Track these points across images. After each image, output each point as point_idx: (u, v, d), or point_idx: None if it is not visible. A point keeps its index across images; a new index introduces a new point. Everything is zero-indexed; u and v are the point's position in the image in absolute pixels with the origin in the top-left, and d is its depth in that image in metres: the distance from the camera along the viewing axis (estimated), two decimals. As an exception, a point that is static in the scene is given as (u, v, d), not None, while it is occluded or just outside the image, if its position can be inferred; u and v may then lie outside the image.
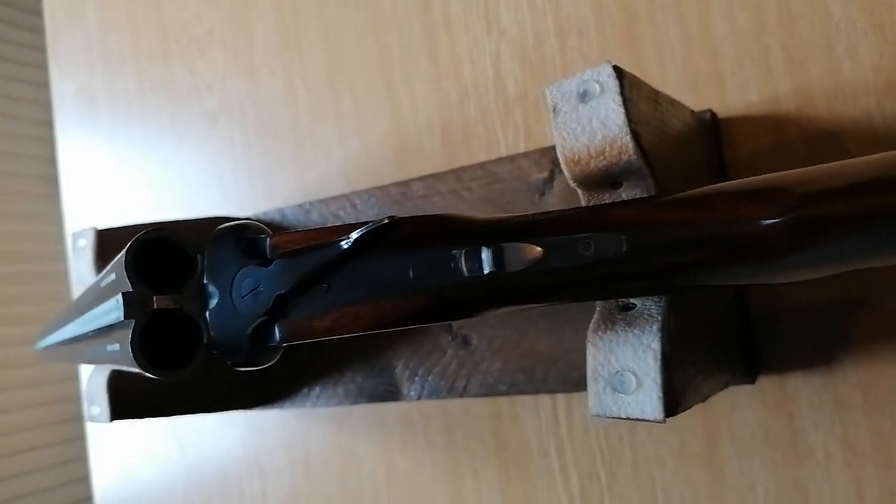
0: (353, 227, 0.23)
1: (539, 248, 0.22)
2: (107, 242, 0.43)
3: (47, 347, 0.45)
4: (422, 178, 0.47)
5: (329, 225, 0.25)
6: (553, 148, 0.43)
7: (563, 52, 0.45)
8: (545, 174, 0.42)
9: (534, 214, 0.24)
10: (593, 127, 0.24)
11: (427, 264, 0.23)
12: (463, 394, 0.45)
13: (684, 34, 0.41)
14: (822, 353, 0.38)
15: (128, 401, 0.43)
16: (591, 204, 0.26)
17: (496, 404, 0.47)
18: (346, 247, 0.23)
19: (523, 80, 0.46)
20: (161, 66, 0.63)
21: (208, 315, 0.26)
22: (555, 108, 0.25)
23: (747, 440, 0.39)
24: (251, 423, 0.57)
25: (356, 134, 0.53)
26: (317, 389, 0.51)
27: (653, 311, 0.25)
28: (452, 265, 0.23)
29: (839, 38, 0.38)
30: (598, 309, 0.27)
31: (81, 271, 0.43)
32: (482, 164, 0.45)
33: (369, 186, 0.50)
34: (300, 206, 0.52)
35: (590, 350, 0.25)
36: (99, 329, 0.31)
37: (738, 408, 0.40)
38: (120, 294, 0.27)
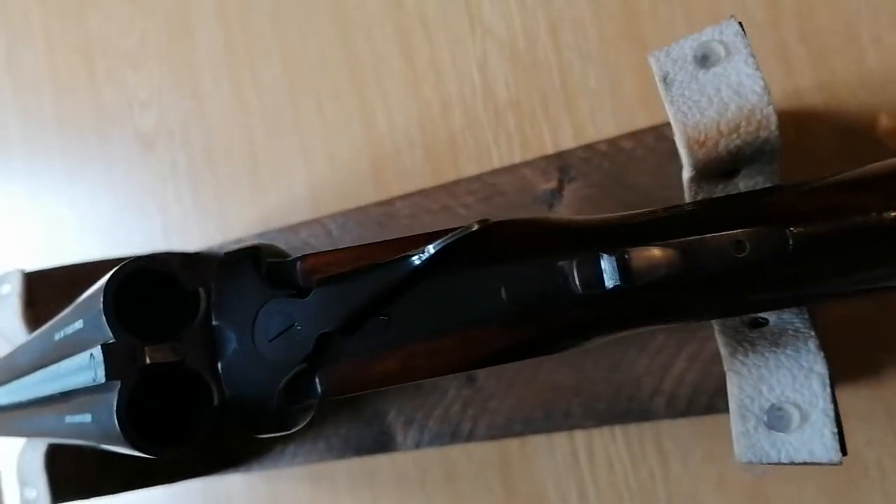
0: (423, 237, 0.18)
1: (674, 252, 0.17)
2: (37, 287, 0.36)
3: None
4: (407, 196, 0.41)
5: (369, 242, 0.19)
6: (560, 155, 0.38)
7: (557, 50, 0.41)
8: (553, 184, 0.38)
9: (653, 211, 0.19)
10: (723, 97, 0.19)
11: (526, 281, 0.17)
12: (470, 438, 0.40)
13: (693, 28, 0.38)
14: (869, 363, 0.35)
15: (70, 480, 0.35)
16: (698, 199, 0.21)
17: (503, 447, 0.42)
18: (417, 264, 0.17)
19: (515, 84, 0.42)
20: (85, 85, 0.55)
21: (221, 367, 0.20)
22: (665, 79, 0.20)
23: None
24: (209, 491, 0.50)
25: (323, 150, 0.47)
26: (292, 446, 0.44)
27: (797, 325, 0.20)
28: (561, 280, 0.17)
29: (861, 26, 0.35)
30: (717, 327, 0.22)
31: (5, 324, 0.35)
32: (478, 177, 0.40)
33: (343, 209, 0.44)
34: (261, 235, 0.46)
35: (732, 381, 0.21)
36: (54, 395, 0.24)
37: (783, 432, 0.36)
38: (98, 347, 0.20)
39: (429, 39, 0.44)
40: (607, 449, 0.39)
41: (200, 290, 0.22)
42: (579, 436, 0.40)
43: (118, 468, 0.39)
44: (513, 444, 0.41)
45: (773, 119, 0.19)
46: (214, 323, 0.20)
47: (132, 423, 0.20)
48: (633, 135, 0.36)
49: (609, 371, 0.36)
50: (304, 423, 0.21)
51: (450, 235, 0.17)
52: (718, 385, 0.35)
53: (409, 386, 0.41)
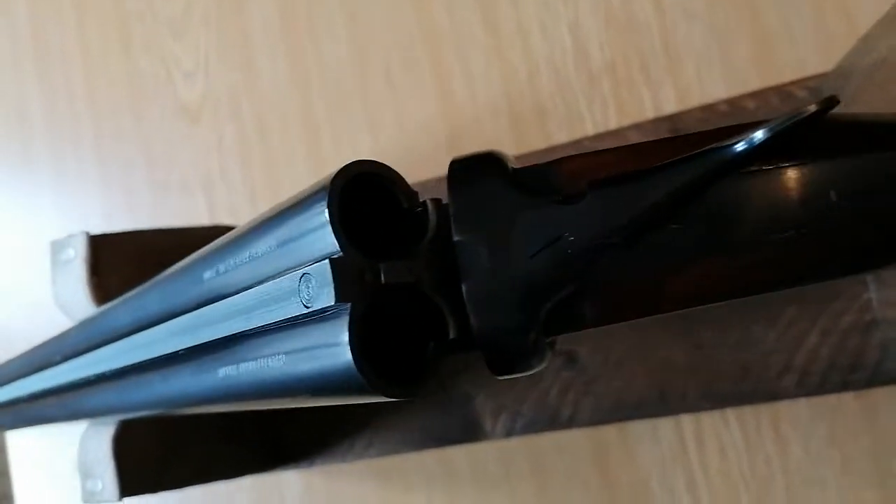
0: (739, 128, 0.15)
1: None
2: (103, 253, 0.32)
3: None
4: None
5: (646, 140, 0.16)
6: (672, 117, 0.36)
7: (659, 11, 0.38)
8: (665, 148, 0.35)
9: None
10: None
11: (865, 179, 0.14)
12: (570, 424, 0.36)
13: (806, -13, 0.36)
14: None
15: (139, 471, 0.31)
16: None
17: (599, 436, 0.39)
18: (731, 157, 0.14)
19: (610, 47, 0.39)
20: (118, 57, 0.51)
21: (466, 290, 0.16)
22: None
23: (931, 449, 0.33)
24: (264, 488, 0.45)
25: (392, 121, 0.44)
26: (362, 439, 0.40)
27: None
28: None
29: None
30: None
31: (67, 294, 0.31)
32: (577, 142, 0.37)
33: (415, 181, 0.41)
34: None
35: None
36: (202, 346, 0.20)
37: (920, 410, 0.33)
38: (320, 265, 0.17)
39: (514, 4, 0.41)
40: (719, 435, 0.36)
41: (428, 202, 0.19)
42: (687, 421, 0.37)
43: (179, 461, 0.35)
44: (610, 433, 0.38)
45: None
46: (456, 238, 0.17)
47: (367, 357, 0.16)
48: (756, 94, 0.34)
49: (733, 348, 0.34)
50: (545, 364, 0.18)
51: (785, 118, 0.14)
52: (854, 359, 0.32)
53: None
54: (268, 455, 0.40)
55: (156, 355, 0.23)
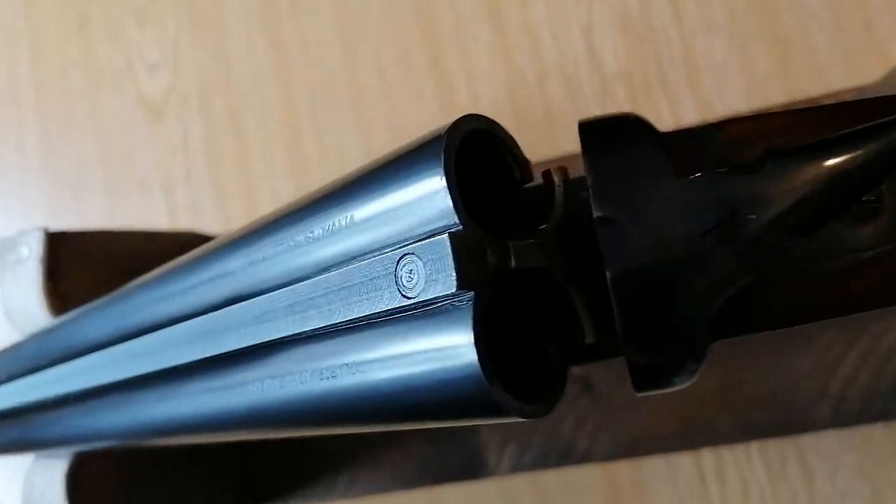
0: None
1: None
2: (63, 253, 0.26)
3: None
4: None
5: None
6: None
7: (677, 19, 0.37)
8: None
9: None
10: None
11: None
12: (586, 458, 0.33)
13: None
14: None
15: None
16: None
17: (611, 471, 0.35)
18: None
19: (625, 54, 0.37)
20: (74, 43, 0.46)
21: (612, 278, 0.13)
22: None
23: (965, 484, 0.32)
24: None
25: (384, 120, 0.40)
26: (349, 474, 0.36)
27: None
28: None
29: None
30: None
31: (18, 300, 0.26)
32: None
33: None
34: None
35: None
36: (230, 353, 0.16)
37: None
38: (444, 237, 0.13)
39: (522, 4, 0.39)
40: (741, 469, 0.34)
41: (553, 171, 0.15)
42: (707, 456, 0.34)
43: (143, 499, 0.29)
44: (622, 468, 0.35)
45: None
46: (597, 215, 0.13)
47: (494, 365, 0.12)
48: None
49: (765, 374, 0.31)
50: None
51: None
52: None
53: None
54: (241, 492, 0.34)
55: (151, 370, 0.18)
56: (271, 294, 0.16)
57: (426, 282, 0.13)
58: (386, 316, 0.14)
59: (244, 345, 0.16)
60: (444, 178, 0.13)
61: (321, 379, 0.15)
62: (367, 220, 0.14)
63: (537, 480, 0.36)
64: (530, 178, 0.16)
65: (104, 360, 0.20)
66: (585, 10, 0.38)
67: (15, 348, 0.24)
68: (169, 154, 0.43)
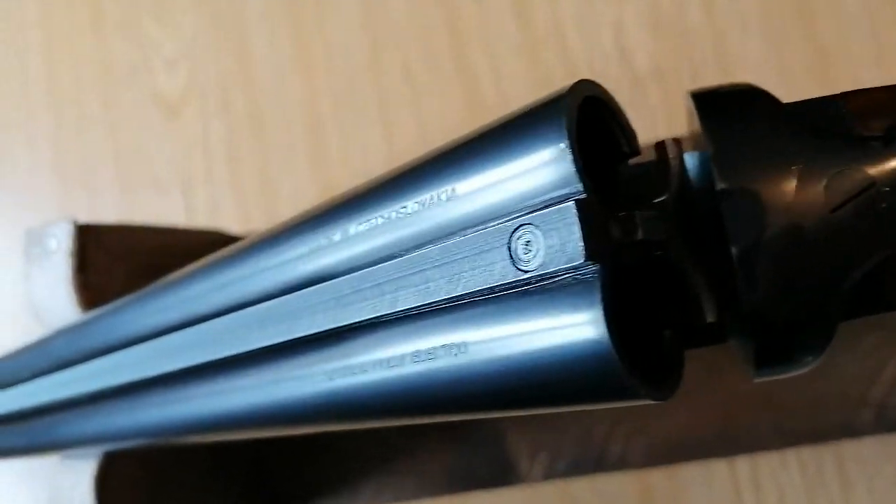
0: None
1: None
2: (91, 248, 0.25)
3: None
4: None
5: None
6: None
7: (710, 18, 0.36)
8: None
9: None
10: None
11: None
12: (620, 465, 0.32)
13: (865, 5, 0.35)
14: None
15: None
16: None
17: (643, 480, 0.34)
18: None
19: (658, 53, 0.37)
20: (88, 37, 0.45)
21: (737, 254, 0.12)
22: None
23: None
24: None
25: (410, 121, 0.39)
26: (375, 481, 0.34)
27: None
28: None
29: None
30: None
31: (44, 293, 0.25)
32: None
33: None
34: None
35: None
36: (303, 338, 0.15)
37: None
38: (570, 205, 0.12)
39: (549, 1, 0.38)
40: (777, 477, 0.33)
41: (667, 144, 0.14)
42: (743, 463, 0.33)
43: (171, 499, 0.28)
44: (655, 476, 0.34)
45: None
46: (721, 187, 0.12)
47: (621, 341, 0.11)
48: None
49: (806, 378, 0.31)
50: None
51: None
52: (939, 393, 0.30)
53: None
54: (264, 500, 0.33)
55: (205, 360, 0.17)
56: (352, 275, 0.15)
57: (547, 253, 0.12)
58: (498, 291, 0.13)
59: (320, 329, 0.15)
60: (567, 141, 0.12)
61: (415, 362, 0.14)
62: (475, 191, 0.14)
63: (567, 488, 0.35)
64: (638, 152, 0.15)
65: (149, 352, 0.19)
66: (616, 8, 0.37)
67: (42, 343, 0.23)
68: (187, 152, 0.42)
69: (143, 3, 0.44)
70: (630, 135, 0.15)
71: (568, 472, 0.32)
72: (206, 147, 0.42)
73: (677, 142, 0.14)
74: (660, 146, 0.15)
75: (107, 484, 0.23)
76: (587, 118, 0.13)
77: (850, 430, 0.30)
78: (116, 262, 0.26)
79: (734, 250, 0.12)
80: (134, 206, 0.42)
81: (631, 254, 0.13)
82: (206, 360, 0.17)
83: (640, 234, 0.13)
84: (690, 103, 0.15)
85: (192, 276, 0.19)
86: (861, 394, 0.30)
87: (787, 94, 0.35)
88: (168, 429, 0.19)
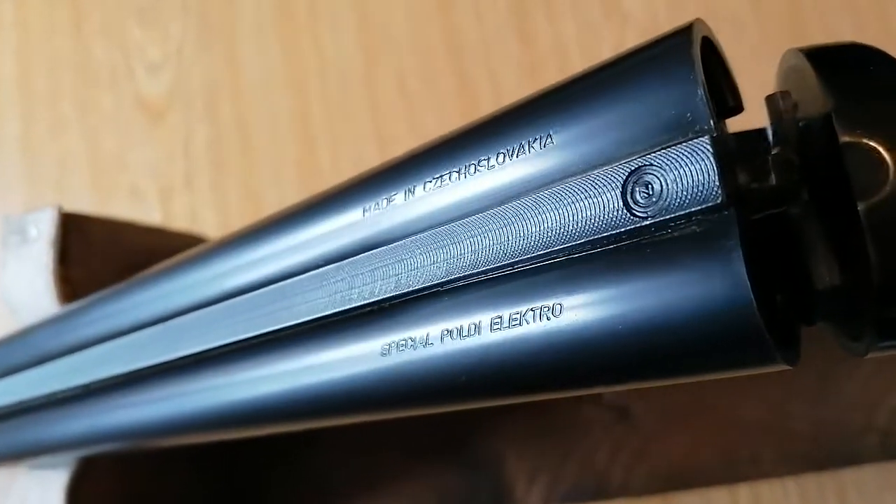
0: None
1: None
2: (74, 239, 0.23)
3: None
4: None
5: None
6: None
7: (709, 44, 0.36)
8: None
9: None
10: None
11: None
12: (622, 492, 0.31)
13: (860, 33, 0.36)
14: None
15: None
16: None
17: (640, 506, 0.33)
18: None
19: (657, 76, 0.37)
20: (67, 38, 0.43)
21: (864, 210, 0.11)
22: None
23: None
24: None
25: (407, 134, 0.38)
26: (361, 503, 0.32)
27: None
28: None
29: None
30: None
31: (23, 284, 0.22)
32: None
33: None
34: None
35: None
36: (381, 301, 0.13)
37: None
38: (704, 140, 0.11)
39: (552, 21, 0.38)
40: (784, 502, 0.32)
41: (778, 95, 0.13)
42: (743, 491, 0.32)
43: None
44: (653, 503, 0.33)
45: None
46: (844, 140, 0.11)
47: (761, 296, 0.10)
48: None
49: (810, 405, 0.30)
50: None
51: None
52: (943, 419, 0.29)
53: (535, 423, 0.32)
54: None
55: (223, 342, 0.15)
56: (417, 236, 0.14)
57: (672, 197, 0.11)
58: (603, 244, 0.12)
59: (375, 299, 0.14)
60: (698, 71, 0.11)
61: (494, 329, 0.12)
62: (582, 135, 0.12)
63: (562, 516, 0.33)
64: (742, 107, 0.14)
65: (151, 337, 0.17)
66: (617, 29, 0.37)
67: (15, 338, 0.21)
68: (167, 159, 0.40)
69: (128, 7, 0.43)
70: (735, 89, 0.14)
71: (566, 498, 0.31)
72: (187, 154, 0.40)
73: (788, 94, 0.14)
74: (771, 99, 0.14)
75: (80, 497, 0.21)
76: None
77: (854, 457, 0.30)
78: (97, 257, 0.25)
79: (861, 207, 0.11)
80: (107, 212, 0.40)
81: (759, 203, 0.12)
82: (240, 338, 0.15)
83: (772, 179, 0.12)
84: (793, 61, 0.14)
85: (213, 252, 0.17)
86: (865, 420, 0.30)
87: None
88: (174, 423, 0.17)
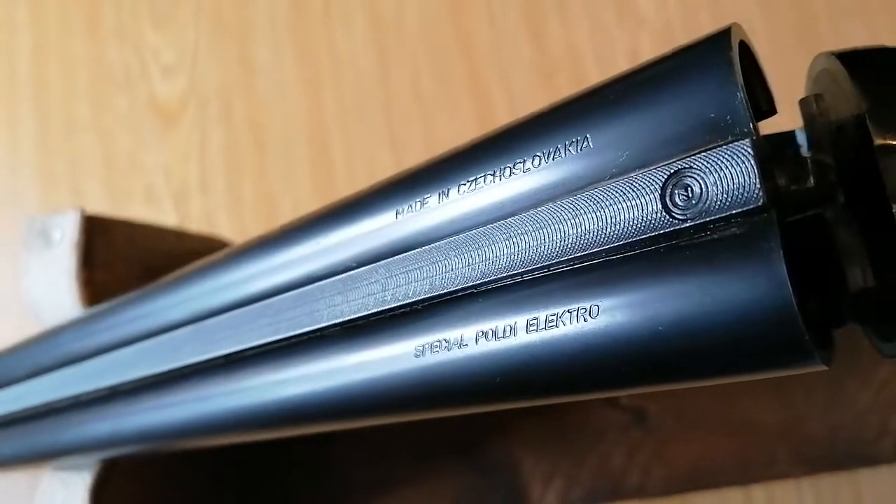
0: None
1: None
2: (97, 242, 0.24)
3: None
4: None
5: None
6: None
7: (723, 48, 0.37)
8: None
9: None
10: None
11: None
12: (639, 494, 0.31)
13: (874, 36, 0.36)
14: None
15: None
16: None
17: (655, 509, 0.33)
18: None
19: (671, 80, 0.37)
20: (84, 40, 0.43)
21: None
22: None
23: None
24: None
25: (419, 137, 0.39)
26: (375, 507, 0.32)
27: None
28: None
29: None
30: None
31: (48, 287, 0.22)
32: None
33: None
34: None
35: None
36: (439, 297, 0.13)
37: None
38: (745, 143, 0.11)
39: (566, 24, 0.38)
40: (794, 508, 0.32)
41: (812, 98, 0.14)
42: (758, 491, 0.33)
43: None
44: (668, 506, 0.33)
45: None
46: (878, 142, 0.12)
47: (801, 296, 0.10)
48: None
49: (824, 408, 0.30)
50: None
51: None
52: (957, 423, 0.29)
53: (552, 426, 0.32)
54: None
55: (257, 343, 0.15)
56: (451, 238, 0.14)
57: (713, 200, 0.11)
58: (641, 246, 0.12)
59: (409, 300, 0.14)
60: (738, 75, 0.12)
61: (530, 331, 0.12)
62: (620, 138, 0.13)
63: (577, 519, 0.33)
64: (775, 110, 0.15)
65: (169, 344, 0.17)
66: (631, 33, 0.38)
67: (38, 341, 0.21)
68: (182, 161, 0.41)
69: (143, 10, 0.43)
70: (768, 93, 0.14)
71: (582, 501, 0.31)
72: (202, 156, 0.40)
73: (821, 97, 0.14)
74: (805, 102, 0.14)
75: (103, 498, 0.21)
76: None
77: (869, 459, 0.30)
78: (120, 260, 0.25)
79: (894, 209, 0.11)
80: (123, 214, 0.40)
81: (796, 205, 0.12)
82: (274, 339, 0.15)
83: (810, 182, 0.12)
84: (825, 64, 0.14)
85: (246, 254, 0.17)
86: (880, 424, 0.30)
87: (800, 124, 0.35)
88: (206, 425, 0.17)
